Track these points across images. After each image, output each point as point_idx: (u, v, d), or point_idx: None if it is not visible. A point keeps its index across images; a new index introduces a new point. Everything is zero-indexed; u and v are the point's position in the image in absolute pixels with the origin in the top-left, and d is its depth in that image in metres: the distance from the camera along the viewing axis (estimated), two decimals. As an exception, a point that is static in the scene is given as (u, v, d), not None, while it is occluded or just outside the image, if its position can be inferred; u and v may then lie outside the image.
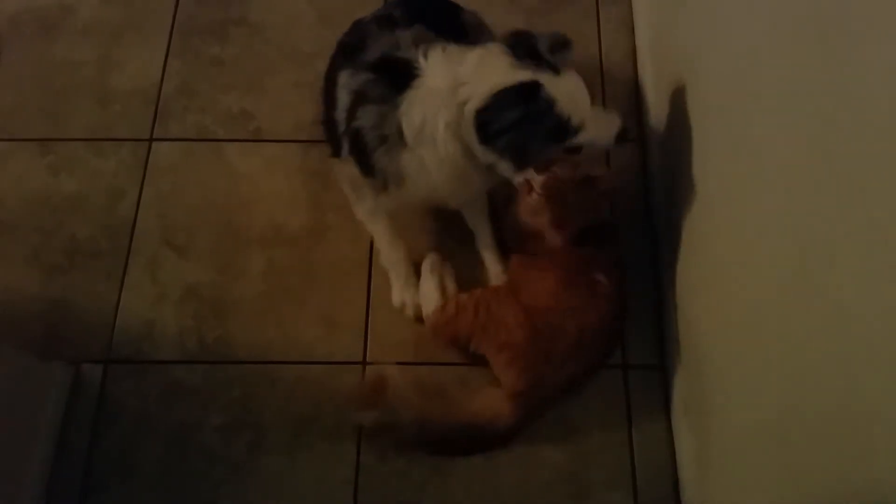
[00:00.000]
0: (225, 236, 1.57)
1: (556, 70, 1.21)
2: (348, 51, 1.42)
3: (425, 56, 1.26)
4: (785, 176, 0.92)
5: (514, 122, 1.19)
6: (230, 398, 1.44)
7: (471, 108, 1.21)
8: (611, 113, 1.32)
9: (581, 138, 1.26)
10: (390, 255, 1.50)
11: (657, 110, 1.57)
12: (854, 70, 0.75)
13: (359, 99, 1.32)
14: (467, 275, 1.50)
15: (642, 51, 1.70)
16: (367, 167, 1.35)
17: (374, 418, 1.35)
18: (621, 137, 1.31)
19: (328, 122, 1.45)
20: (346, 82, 1.35)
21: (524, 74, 1.19)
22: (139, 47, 1.79)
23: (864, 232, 0.74)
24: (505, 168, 1.26)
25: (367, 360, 1.46)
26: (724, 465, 1.17)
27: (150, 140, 1.68)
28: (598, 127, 1.28)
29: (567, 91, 1.21)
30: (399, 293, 1.49)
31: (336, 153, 1.45)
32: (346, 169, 1.42)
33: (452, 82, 1.22)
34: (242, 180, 1.63)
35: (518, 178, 1.31)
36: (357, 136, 1.33)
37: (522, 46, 1.23)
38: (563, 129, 1.23)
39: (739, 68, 1.09)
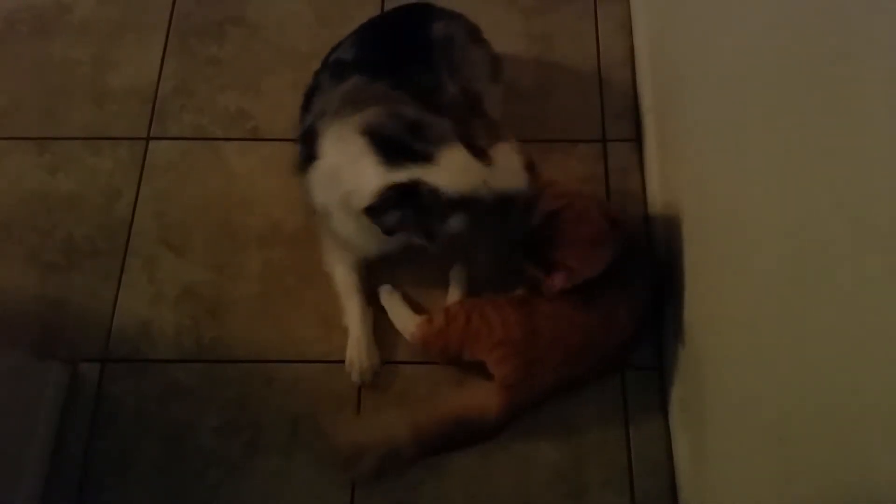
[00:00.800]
0: (222, 236, 1.57)
1: (428, 157, 1.17)
2: (304, 105, 1.46)
3: (325, 132, 1.28)
4: (784, 175, 0.93)
5: (404, 221, 1.20)
6: (227, 398, 1.44)
7: (359, 206, 1.20)
8: (508, 153, 1.24)
9: (492, 192, 1.20)
10: (348, 309, 1.46)
11: (655, 110, 1.57)
12: (853, 68, 0.75)
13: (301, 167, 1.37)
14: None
15: (640, 51, 1.70)
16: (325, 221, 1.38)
17: (371, 465, 1.32)
18: (530, 168, 1.25)
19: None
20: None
21: (398, 175, 1.17)
22: (136, 46, 1.78)
23: (863, 231, 0.74)
24: (420, 243, 1.27)
25: (365, 359, 1.46)
26: (722, 465, 1.17)
27: (147, 139, 1.68)
28: (503, 177, 1.21)
29: (449, 172, 1.17)
30: (352, 352, 1.44)
31: None
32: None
33: (334, 173, 1.25)
34: (240, 180, 1.63)
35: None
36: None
37: (387, 121, 1.21)
38: (463, 204, 1.19)
39: (738, 68, 1.09)
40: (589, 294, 1.28)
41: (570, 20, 1.78)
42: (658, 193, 1.52)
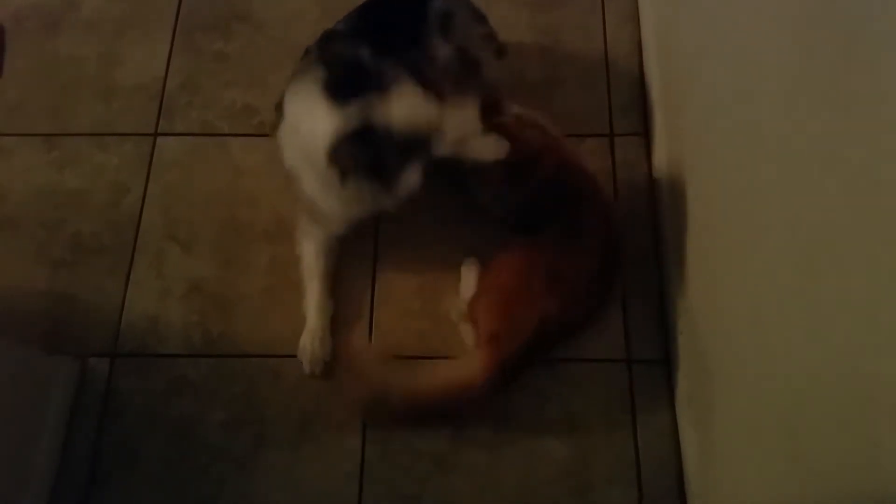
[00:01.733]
0: (229, 231, 1.58)
1: (382, 87, 1.17)
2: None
3: (287, 93, 1.32)
4: (791, 169, 0.92)
5: (357, 160, 1.20)
6: (234, 392, 1.44)
7: (318, 157, 1.21)
8: (466, 100, 1.26)
9: (444, 143, 1.22)
10: (309, 295, 1.46)
11: (663, 104, 1.56)
12: (862, 60, 0.75)
13: None
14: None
15: (648, 44, 1.69)
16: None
17: (366, 395, 1.35)
18: (489, 114, 1.26)
19: None
20: None
21: (350, 112, 1.17)
22: (142, 43, 1.79)
23: (871, 224, 0.73)
24: (381, 197, 1.28)
25: (371, 354, 1.46)
26: (729, 459, 1.17)
27: (155, 135, 1.68)
28: (455, 123, 1.23)
29: (402, 108, 1.17)
30: (306, 340, 1.45)
31: None
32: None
33: (296, 128, 1.27)
34: (246, 175, 1.63)
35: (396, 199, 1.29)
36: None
37: (342, 68, 1.22)
38: (416, 139, 1.19)
39: (745, 60, 1.09)
40: (545, 236, 1.36)
41: (577, 13, 1.77)
42: (666, 187, 1.52)
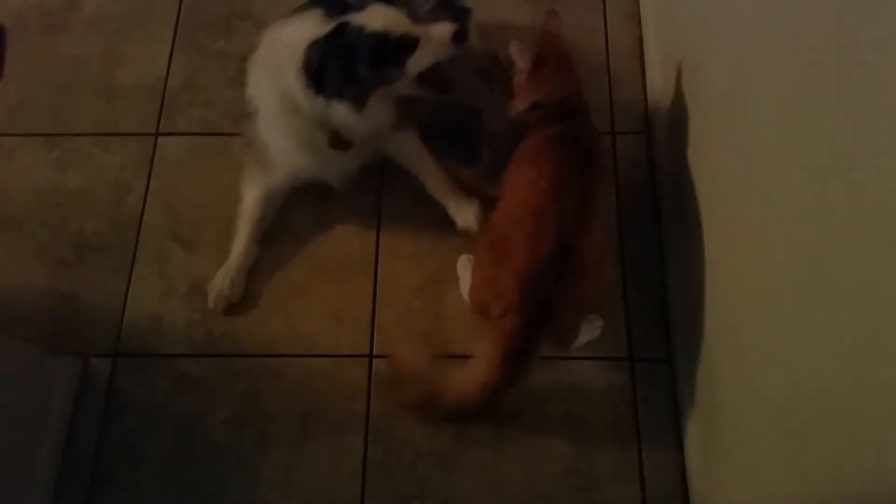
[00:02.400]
0: (231, 230, 1.57)
1: (360, 7, 1.25)
2: None
3: (267, 31, 1.34)
4: (792, 165, 0.92)
5: (329, 59, 1.22)
6: (237, 391, 1.44)
7: (291, 71, 1.24)
8: (441, 23, 1.30)
9: (418, 57, 1.27)
10: (239, 235, 1.50)
11: (663, 102, 1.56)
12: (862, 57, 0.75)
13: None
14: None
15: (649, 43, 1.69)
16: (247, 133, 1.44)
17: (403, 397, 1.32)
18: (459, 37, 1.29)
19: None
20: None
21: (330, 24, 1.23)
22: (144, 42, 1.79)
23: (873, 223, 0.73)
24: (347, 114, 1.28)
25: (374, 353, 1.46)
26: (732, 456, 1.17)
27: (156, 135, 1.69)
28: (429, 38, 1.27)
29: (374, 14, 1.24)
30: (219, 277, 1.49)
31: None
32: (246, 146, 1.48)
33: (271, 52, 1.29)
34: (248, 174, 1.63)
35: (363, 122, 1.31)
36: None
37: (335, 4, 1.26)
38: (389, 46, 1.24)
39: (746, 60, 1.09)
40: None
41: (579, 13, 1.77)
42: (667, 184, 1.52)
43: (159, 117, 1.70)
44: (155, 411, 1.43)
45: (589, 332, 1.43)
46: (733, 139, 1.14)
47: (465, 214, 1.49)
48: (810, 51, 0.87)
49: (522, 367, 1.22)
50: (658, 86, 1.60)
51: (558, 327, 1.25)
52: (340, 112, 1.28)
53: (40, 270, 1.56)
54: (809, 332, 0.88)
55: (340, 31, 1.23)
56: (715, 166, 1.24)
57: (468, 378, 1.24)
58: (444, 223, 1.54)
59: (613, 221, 1.55)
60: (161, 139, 1.68)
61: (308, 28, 1.26)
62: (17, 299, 1.54)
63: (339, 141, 1.33)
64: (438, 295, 1.50)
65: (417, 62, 1.27)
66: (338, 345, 1.47)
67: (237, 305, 1.50)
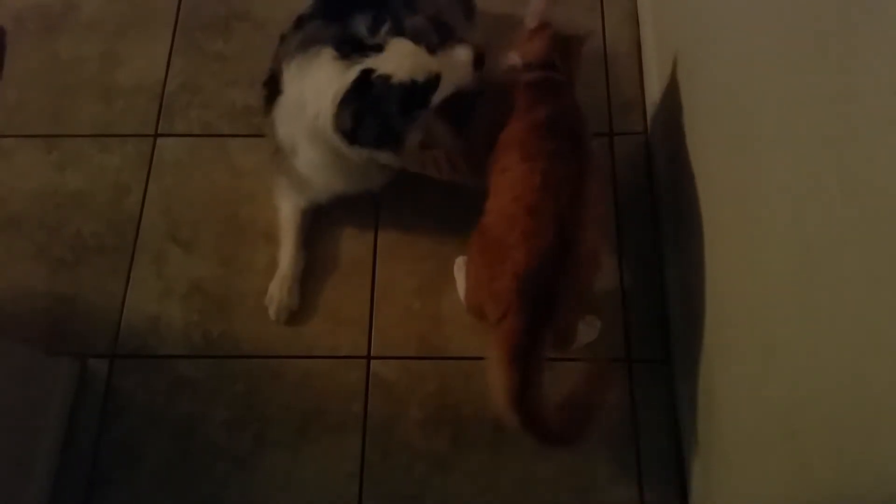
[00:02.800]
0: (230, 231, 1.58)
1: (379, 48, 1.23)
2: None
3: (288, 70, 1.31)
4: (790, 168, 0.92)
5: (362, 115, 1.23)
6: (235, 392, 1.44)
7: (324, 124, 1.25)
8: (457, 48, 1.29)
9: (442, 89, 1.26)
10: (284, 245, 1.51)
11: (662, 103, 1.56)
12: (861, 59, 0.75)
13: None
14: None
15: (647, 44, 1.69)
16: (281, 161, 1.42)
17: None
18: (479, 63, 1.28)
19: None
20: None
21: (352, 72, 1.22)
22: (143, 43, 1.79)
23: (872, 224, 0.73)
24: (385, 157, 1.31)
25: (372, 354, 1.46)
26: (731, 459, 1.16)
27: (155, 136, 1.69)
28: (451, 69, 1.27)
29: (397, 59, 1.22)
30: (274, 288, 1.49)
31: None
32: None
33: (298, 100, 1.28)
34: (246, 175, 1.63)
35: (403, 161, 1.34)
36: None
37: (347, 42, 1.25)
38: (417, 92, 1.24)
39: (745, 60, 1.08)
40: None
41: (577, 12, 1.77)
42: (666, 185, 1.52)
43: (158, 118, 1.70)
44: (153, 412, 1.43)
45: (587, 333, 1.42)
46: (732, 140, 1.14)
47: None
48: (809, 51, 0.87)
49: (534, 367, 1.16)
50: (656, 86, 1.60)
51: (558, 326, 1.21)
52: (381, 157, 1.31)
53: (39, 271, 1.56)
54: (809, 333, 0.88)
55: (366, 79, 1.22)
56: (713, 167, 1.24)
57: (494, 392, 1.18)
58: (443, 225, 1.54)
59: (610, 209, 1.54)
60: (160, 140, 1.68)
61: (328, 76, 1.24)
62: (16, 300, 1.54)
63: (391, 147, 1.32)
64: (437, 296, 1.50)
65: (440, 95, 1.27)
66: (336, 346, 1.47)
67: (295, 313, 1.50)
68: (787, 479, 0.96)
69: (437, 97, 1.27)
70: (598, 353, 1.44)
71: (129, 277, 1.55)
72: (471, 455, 1.38)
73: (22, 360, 1.36)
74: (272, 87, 1.37)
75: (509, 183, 1.24)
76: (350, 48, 1.23)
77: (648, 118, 1.63)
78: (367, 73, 1.22)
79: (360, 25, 1.25)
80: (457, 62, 1.27)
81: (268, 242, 1.56)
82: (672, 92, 1.47)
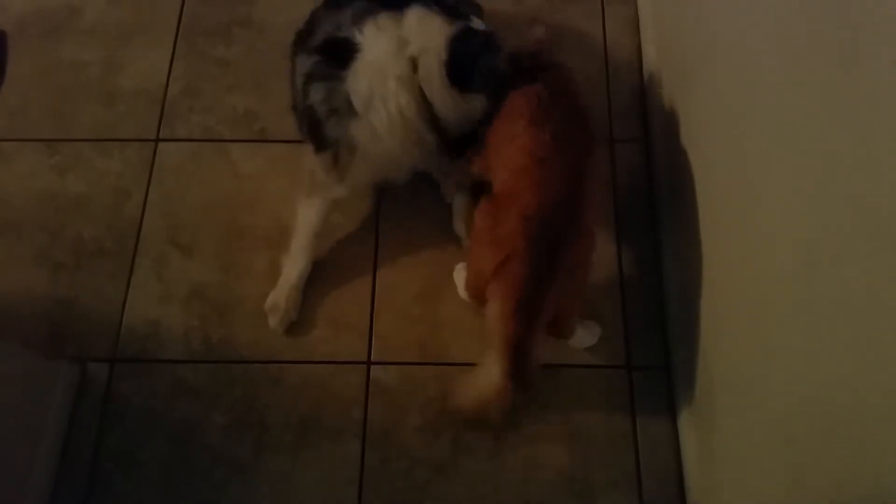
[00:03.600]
0: (230, 236, 1.58)
1: (474, 14, 1.36)
2: (301, 38, 1.47)
3: (361, 32, 1.33)
4: (790, 173, 0.92)
5: (482, 58, 1.30)
6: (234, 397, 1.44)
7: (431, 62, 1.29)
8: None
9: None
10: (293, 252, 1.50)
11: (662, 109, 1.56)
12: (861, 65, 0.75)
13: (309, 80, 1.38)
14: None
15: (648, 50, 1.69)
16: (319, 142, 1.40)
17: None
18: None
19: (294, 108, 1.49)
20: (300, 68, 1.41)
21: (460, 23, 1.31)
22: (145, 48, 1.79)
23: (871, 229, 0.73)
24: (476, 107, 1.34)
25: (372, 359, 1.46)
26: (730, 465, 1.17)
27: (156, 140, 1.69)
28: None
29: (476, 22, 1.34)
30: (278, 296, 1.48)
31: (303, 138, 1.49)
32: (307, 156, 1.46)
33: (397, 45, 1.30)
34: (247, 180, 1.64)
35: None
36: (309, 112, 1.38)
37: (437, 3, 1.33)
38: (489, 46, 1.32)
39: (745, 67, 1.09)
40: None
41: (577, 20, 1.78)
42: (666, 192, 1.52)
43: (159, 123, 1.71)
44: (152, 417, 1.43)
45: (586, 338, 1.43)
46: (731, 146, 1.15)
47: None
48: (809, 56, 0.87)
49: (537, 321, 1.12)
50: (656, 93, 1.61)
51: (559, 303, 1.17)
52: (476, 106, 1.34)
53: (39, 275, 1.56)
54: (808, 340, 0.88)
55: (475, 34, 1.31)
56: (713, 174, 1.25)
57: (491, 339, 1.15)
58: (443, 231, 1.55)
59: (609, 212, 1.56)
60: (161, 145, 1.69)
61: (434, 25, 1.31)
62: (16, 304, 1.54)
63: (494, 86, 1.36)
64: (437, 302, 1.50)
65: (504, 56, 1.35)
66: (336, 351, 1.47)
67: (294, 323, 1.49)
68: (784, 485, 0.96)
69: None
70: (597, 359, 1.44)
71: (129, 282, 1.55)
72: (471, 461, 1.37)
73: (22, 364, 1.36)
74: (336, 52, 1.36)
75: (518, 146, 1.22)
76: (439, 8, 1.32)
77: (649, 125, 1.64)
78: (469, 28, 1.31)
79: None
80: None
81: (268, 247, 1.56)
82: (672, 98, 1.47)
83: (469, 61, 1.30)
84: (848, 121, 0.77)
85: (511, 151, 1.24)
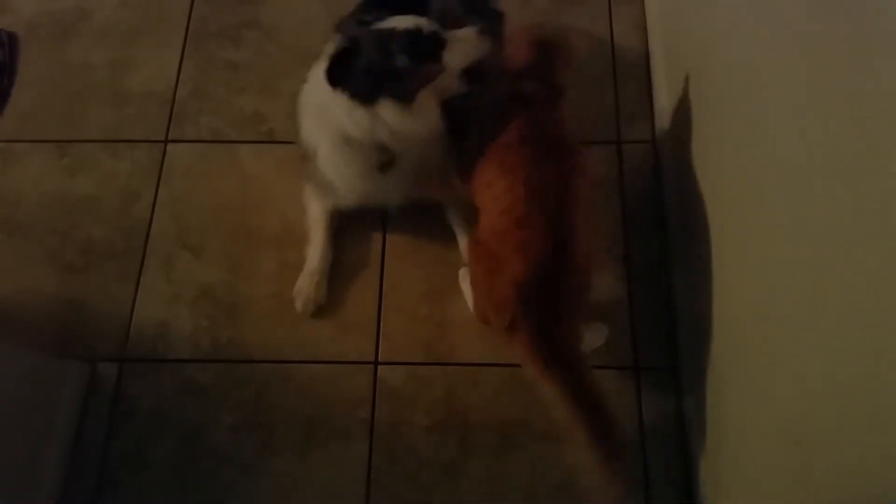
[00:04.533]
0: (238, 237, 1.59)
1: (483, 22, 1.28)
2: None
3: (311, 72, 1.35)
4: (798, 173, 0.92)
5: (361, 54, 1.22)
6: (242, 397, 1.45)
7: (323, 85, 1.23)
8: (466, 27, 1.29)
9: (455, 49, 1.25)
10: (313, 241, 1.53)
11: (670, 111, 1.56)
12: (870, 65, 0.75)
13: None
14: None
15: (655, 51, 1.69)
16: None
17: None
18: (486, 33, 1.27)
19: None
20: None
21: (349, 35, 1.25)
22: (154, 50, 1.81)
23: (881, 233, 0.73)
24: (395, 112, 1.25)
25: (379, 360, 1.47)
26: (738, 465, 1.16)
27: (165, 142, 1.70)
28: (460, 41, 1.26)
29: (404, 19, 1.24)
30: (303, 282, 1.51)
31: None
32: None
33: (314, 93, 1.32)
34: (255, 181, 1.64)
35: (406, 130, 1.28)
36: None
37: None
38: (422, 41, 1.23)
39: (752, 67, 1.09)
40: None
41: (585, 21, 1.78)
42: (674, 194, 1.52)
43: (168, 125, 1.72)
44: (161, 416, 1.44)
45: (593, 339, 1.43)
46: (739, 148, 1.15)
47: None
48: (817, 58, 0.87)
49: (564, 359, 1.16)
50: (664, 95, 1.61)
51: (563, 329, 1.21)
52: (388, 113, 1.25)
53: (49, 275, 1.57)
54: (816, 341, 0.88)
55: (366, 31, 1.24)
56: (721, 175, 1.25)
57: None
58: (450, 232, 1.55)
59: (617, 216, 1.56)
60: (170, 146, 1.70)
61: (330, 50, 1.26)
62: (26, 304, 1.55)
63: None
64: (444, 302, 1.50)
65: (455, 57, 1.26)
66: (343, 351, 1.48)
67: (322, 307, 1.52)
68: (793, 486, 0.96)
69: (452, 58, 1.25)
70: (605, 361, 1.44)
71: (138, 282, 1.56)
72: (478, 461, 1.37)
73: (32, 364, 1.37)
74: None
75: (494, 197, 1.24)
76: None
77: (656, 127, 1.64)
78: (364, 32, 1.23)
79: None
80: (464, 35, 1.27)
81: (276, 248, 1.57)
82: (680, 100, 1.47)
83: (348, 64, 1.21)
84: (859, 120, 0.77)
85: (489, 201, 1.26)
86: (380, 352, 1.47)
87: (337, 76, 1.22)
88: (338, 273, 1.54)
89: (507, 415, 1.41)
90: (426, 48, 1.24)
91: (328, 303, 1.52)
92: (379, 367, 1.46)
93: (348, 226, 1.57)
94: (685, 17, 1.49)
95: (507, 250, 1.19)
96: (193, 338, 1.50)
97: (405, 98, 1.24)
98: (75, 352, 1.49)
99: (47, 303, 1.55)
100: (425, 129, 1.30)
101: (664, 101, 1.60)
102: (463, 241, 1.52)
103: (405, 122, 1.26)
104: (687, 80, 1.43)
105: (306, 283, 1.50)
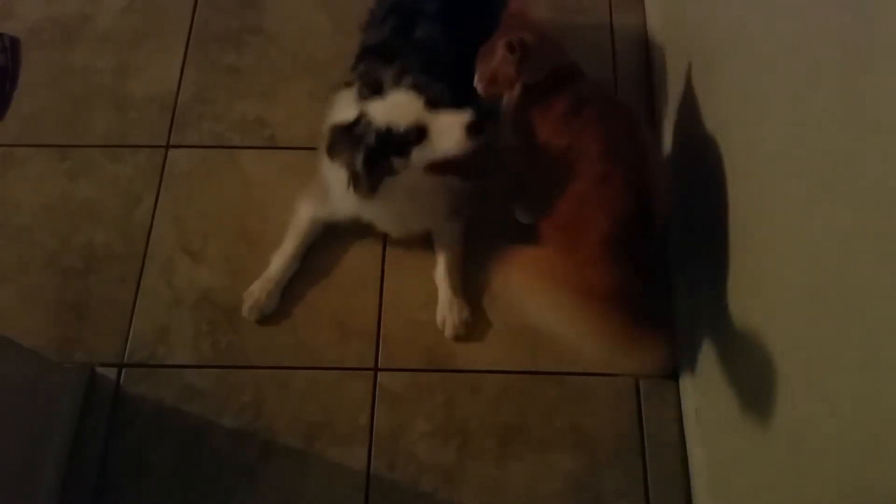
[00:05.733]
0: (239, 242, 1.59)
1: (383, 94, 1.30)
2: None
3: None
4: (805, 174, 0.92)
5: (342, 146, 1.30)
6: (242, 403, 1.45)
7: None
8: (453, 113, 1.27)
9: (429, 149, 1.27)
10: (283, 248, 1.53)
11: (672, 121, 1.57)
12: (877, 64, 0.75)
13: None
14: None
15: (657, 60, 1.70)
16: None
17: None
18: (474, 129, 1.25)
19: None
20: None
21: (354, 110, 1.31)
22: (156, 55, 1.81)
23: (884, 240, 0.73)
24: (354, 194, 1.33)
25: (379, 366, 1.47)
26: (738, 474, 1.16)
27: (167, 147, 1.70)
28: (441, 132, 1.26)
29: (386, 108, 1.28)
30: (256, 286, 1.51)
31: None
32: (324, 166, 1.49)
33: (329, 119, 1.36)
34: (257, 187, 1.65)
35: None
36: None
37: (369, 86, 1.33)
38: (394, 140, 1.27)
39: (757, 67, 1.09)
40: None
41: (586, 32, 1.79)
42: (675, 198, 1.52)
43: (170, 129, 1.72)
44: (161, 421, 1.44)
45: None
46: (743, 150, 1.15)
47: (449, 316, 1.47)
48: (818, 64, 0.87)
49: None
50: (667, 103, 1.61)
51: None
52: (351, 193, 1.34)
53: (49, 279, 1.57)
54: (818, 350, 0.88)
55: (358, 121, 1.30)
56: (723, 183, 1.25)
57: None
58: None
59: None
60: (171, 151, 1.70)
61: (342, 111, 1.34)
62: (26, 307, 1.55)
63: (356, 185, 1.34)
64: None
65: (423, 154, 1.28)
66: (343, 357, 1.48)
67: (269, 317, 1.51)
68: (794, 496, 0.96)
69: (419, 155, 1.28)
70: (605, 368, 1.44)
71: (138, 287, 1.56)
72: (477, 468, 1.37)
73: (31, 368, 1.37)
74: None
75: (567, 164, 1.23)
76: (371, 91, 1.32)
77: (659, 134, 1.64)
78: (360, 116, 1.30)
79: (389, 73, 1.32)
80: (447, 127, 1.26)
81: (276, 254, 1.57)
82: (682, 108, 1.48)
83: (332, 150, 1.32)
84: (863, 118, 0.77)
85: (561, 171, 1.23)
86: (380, 358, 1.47)
87: (327, 148, 1.32)
88: (338, 279, 1.54)
89: (507, 421, 1.41)
90: (394, 146, 1.28)
91: (328, 308, 1.52)
92: (379, 373, 1.46)
93: (348, 232, 1.57)
94: (687, 25, 1.49)
95: (590, 211, 1.19)
96: (194, 342, 1.50)
97: (369, 188, 1.32)
98: (75, 356, 1.49)
99: (47, 306, 1.55)
100: (395, 210, 1.42)
101: (667, 110, 1.60)
102: (441, 265, 1.50)
103: (364, 204, 1.37)
104: (690, 80, 1.44)
105: (258, 288, 1.50)
